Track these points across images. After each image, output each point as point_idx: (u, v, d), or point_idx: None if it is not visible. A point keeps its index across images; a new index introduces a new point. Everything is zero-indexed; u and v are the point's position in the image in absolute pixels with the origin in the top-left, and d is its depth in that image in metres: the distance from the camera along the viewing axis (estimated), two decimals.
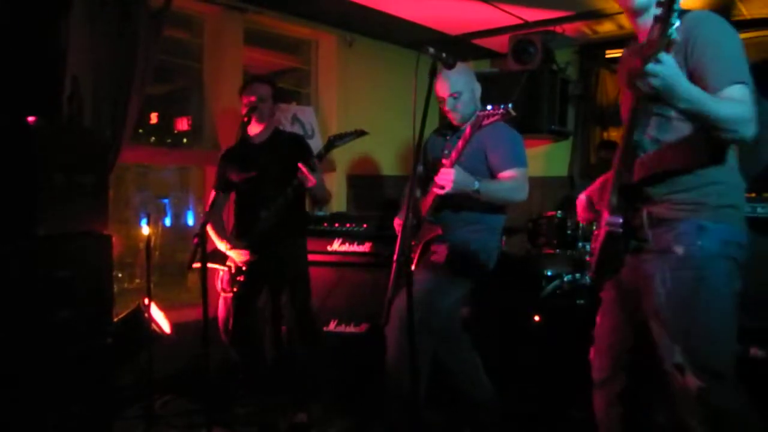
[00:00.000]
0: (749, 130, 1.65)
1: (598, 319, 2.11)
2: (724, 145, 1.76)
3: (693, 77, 1.72)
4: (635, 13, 1.87)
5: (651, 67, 1.52)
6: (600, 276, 2.03)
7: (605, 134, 5.06)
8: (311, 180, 3.01)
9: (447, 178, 2.62)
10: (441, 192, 2.66)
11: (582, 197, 2.15)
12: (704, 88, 1.67)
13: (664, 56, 1.53)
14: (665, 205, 1.84)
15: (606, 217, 1.85)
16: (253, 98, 3.15)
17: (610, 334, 2.05)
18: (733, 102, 1.67)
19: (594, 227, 2.07)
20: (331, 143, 3.13)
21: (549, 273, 3.78)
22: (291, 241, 3.28)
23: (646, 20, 1.75)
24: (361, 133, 3.16)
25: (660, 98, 1.60)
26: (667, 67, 1.54)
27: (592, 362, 2.11)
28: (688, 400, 1.79)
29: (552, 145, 5.30)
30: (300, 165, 3.00)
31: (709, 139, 1.72)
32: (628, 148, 1.83)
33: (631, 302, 1.97)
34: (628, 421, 2.03)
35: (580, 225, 3.57)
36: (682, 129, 1.80)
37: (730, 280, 1.81)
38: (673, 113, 1.77)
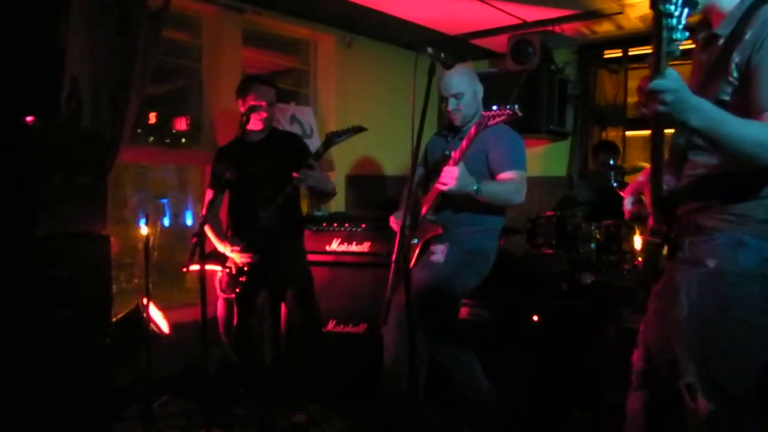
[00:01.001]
0: None
1: (641, 325, 2.02)
2: None
3: (748, 85, 1.59)
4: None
5: (656, 83, 1.41)
6: (644, 282, 1.96)
7: (604, 134, 5.08)
8: (312, 178, 3.01)
9: (451, 175, 2.62)
10: (444, 189, 2.67)
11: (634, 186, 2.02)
12: (751, 102, 1.56)
13: (669, 71, 1.42)
14: (708, 213, 1.71)
15: (650, 224, 1.81)
16: (263, 103, 3.13)
17: (646, 341, 1.97)
18: (763, 125, 1.52)
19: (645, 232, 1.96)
20: (330, 140, 3.07)
21: (548, 273, 3.78)
22: (289, 240, 3.28)
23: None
24: (359, 129, 3.10)
25: (669, 121, 1.48)
26: (674, 80, 1.42)
27: (633, 364, 2.02)
28: (698, 424, 1.68)
29: (550, 145, 5.31)
30: (295, 174, 2.98)
31: None
32: (659, 158, 1.70)
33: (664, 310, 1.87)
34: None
35: (581, 225, 3.57)
36: None
37: (764, 302, 1.64)
38: None
